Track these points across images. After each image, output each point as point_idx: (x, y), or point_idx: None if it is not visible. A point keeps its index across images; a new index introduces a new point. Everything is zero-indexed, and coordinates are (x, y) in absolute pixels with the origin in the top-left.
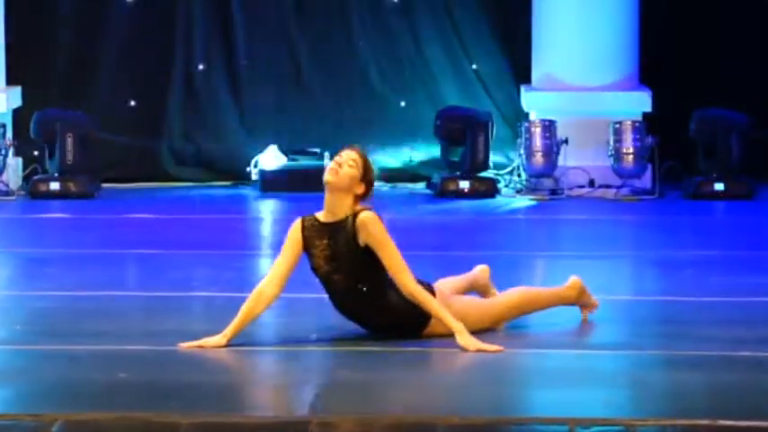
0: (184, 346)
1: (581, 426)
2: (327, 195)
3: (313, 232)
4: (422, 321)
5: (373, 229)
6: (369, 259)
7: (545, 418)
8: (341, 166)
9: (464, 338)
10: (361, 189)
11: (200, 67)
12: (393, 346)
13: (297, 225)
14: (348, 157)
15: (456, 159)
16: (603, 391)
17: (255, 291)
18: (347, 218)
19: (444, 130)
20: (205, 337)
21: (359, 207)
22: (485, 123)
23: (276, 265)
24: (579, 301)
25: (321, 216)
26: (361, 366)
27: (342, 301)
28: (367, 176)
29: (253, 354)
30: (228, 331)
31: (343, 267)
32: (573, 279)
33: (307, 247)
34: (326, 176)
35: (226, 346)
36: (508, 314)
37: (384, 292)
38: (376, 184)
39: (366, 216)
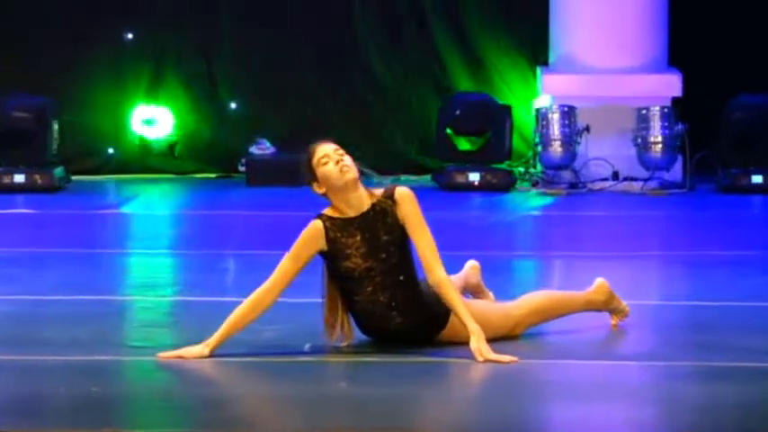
0: (163, 356)
1: None
2: (350, 194)
3: (340, 232)
4: (441, 323)
5: (412, 205)
6: (406, 244)
7: None
8: (343, 160)
9: (479, 344)
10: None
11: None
12: (397, 357)
13: (318, 228)
14: (336, 150)
15: (467, 149)
16: (628, 407)
17: (254, 297)
18: (375, 205)
19: (456, 118)
20: (186, 347)
21: (377, 191)
22: (505, 110)
23: (284, 271)
24: (608, 306)
25: (340, 214)
26: (361, 379)
27: (374, 299)
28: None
29: (239, 366)
30: (212, 340)
31: (387, 259)
32: (599, 282)
33: (335, 249)
34: (346, 176)
35: (209, 356)
36: (529, 320)
37: (417, 283)
38: (375, 177)
39: (404, 191)
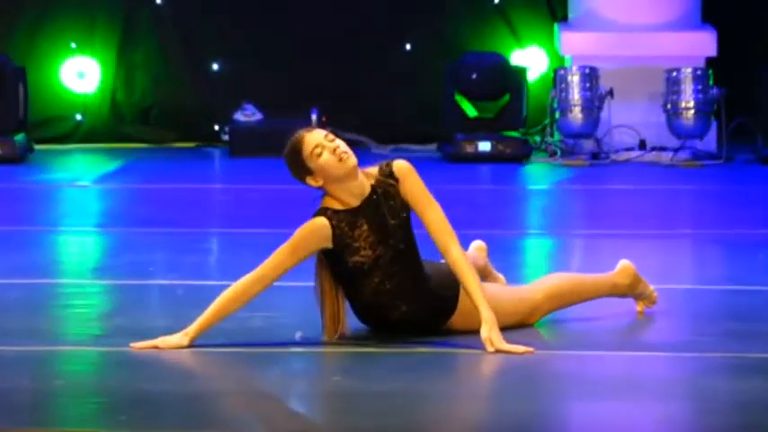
0: (137, 346)
1: None
2: (351, 182)
3: (345, 225)
4: (449, 309)
5: (415, 179)
6: (411, 224)
7: None
8: (339, 147)
9: (490, 333)
10: None
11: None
12: (397, 347)
13: (325, 227)
14: (326, 136)
15: (477, 115)
16: (656, 404)
17: (241, 285)
18: (375, 187)
19: (468, 81)
20: (162, 336)
21: (372, 170)
22: (520, 72)
23: (278, 263)
24: (633, 291)
25: (342, 205)
26: (357, 372)
27: (380, 289)
28: None
29: (222, 357)
30: (192, 329)
31: (395, 244)
32: (624, 264)
33: (341, 245)
34: (347, 163)
35: (188, 347)
36: (546, 306)
37: (422, 266)
38: (374, 147)
39: (403, 165)
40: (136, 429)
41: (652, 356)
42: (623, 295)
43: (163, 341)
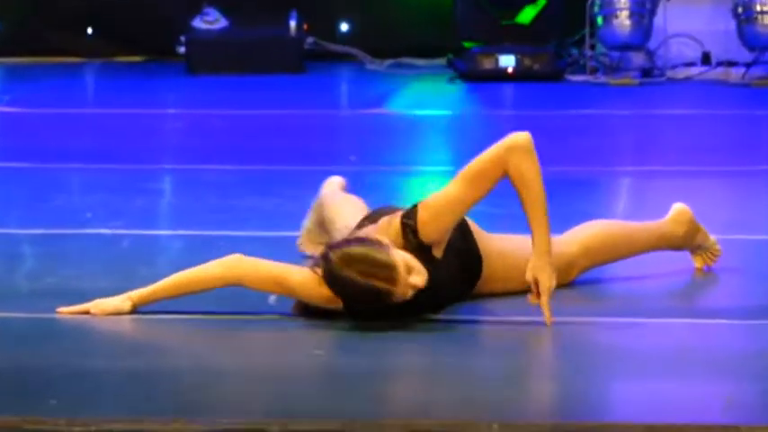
0: (65, 311)
1: None
2: None
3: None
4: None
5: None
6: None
7: (624, 425)
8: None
9: (542, 271)
10: None
11: None
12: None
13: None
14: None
15: (507, 23)
16: (720, 382)
17: (211, 270)
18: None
19: None
20: (98, 299)
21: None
22: None
23: (263, 278)
24: (690, 242)
25: None
26: (346, 346)
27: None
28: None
29: (176, 325)
30: (139, 294)
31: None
32: (678, 208)
33: None
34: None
35: (130, 313)
36: (585, 261)
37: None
38: (369, 62)
39: (428, 228)
40: (71, 412)
41: (713, 324)
42: (678, 248)
43: (97, 305)
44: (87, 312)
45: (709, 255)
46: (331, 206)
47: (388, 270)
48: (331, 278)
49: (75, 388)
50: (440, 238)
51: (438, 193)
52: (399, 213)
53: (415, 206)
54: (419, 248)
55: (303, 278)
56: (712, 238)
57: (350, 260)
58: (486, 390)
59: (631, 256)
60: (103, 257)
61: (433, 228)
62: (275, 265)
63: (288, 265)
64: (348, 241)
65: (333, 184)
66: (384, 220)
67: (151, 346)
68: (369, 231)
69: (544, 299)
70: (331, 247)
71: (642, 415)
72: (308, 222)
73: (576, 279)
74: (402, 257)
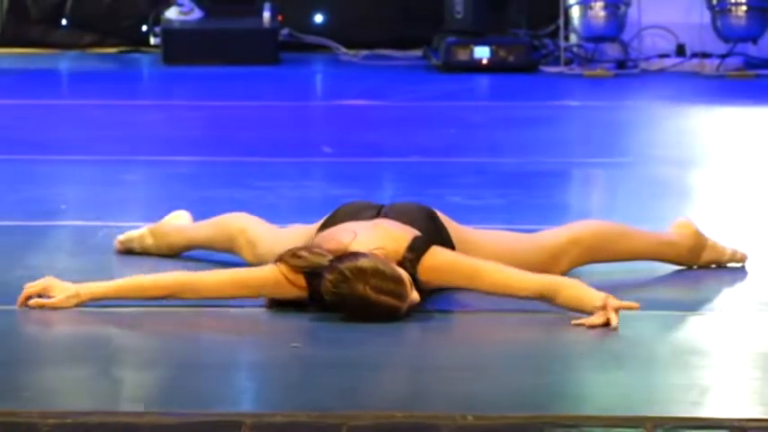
0: (25, 304)
1: (663, 428)
2: None
3: None
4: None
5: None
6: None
7: (614, 417)
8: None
9: (616, 312)
10: None
11: None
12: None
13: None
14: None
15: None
16: (688, 375)
17: (185, 277)
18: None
19: None
20: (42, 279)
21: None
22: None
23: (235, 289)
24: (698, 258)
25: None
26: (324, 337)
27: None
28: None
29: (147, 317)
30: (90, 289)
31: None
32: (681, 221)
33: None
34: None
35: (73, 306)
36: (576, 251)
37: None
38: (342, 54)
39: (430, 268)
40: (43, 408)
41: (682, 316)
42: (688, 262)
43: (35, 286)
44: (44, 306)
45: (733, 262)
46: (262, 236)
47: (399, 285)
48: (337, 291)
49: (47, 381)
50: (435, 285)
51: (461, 257)
52: (408, 238)
53: (426, 244)
54: (411, 276)
55: (267, 275)
56: (729, 249)
57: (362, 274)
58: (460, 382)
59: (632, 258)
60: (77, 249)
61: (432, 277)
62: (234, 270)
63: (246, 269)
64: (355, 255)
65: (182, 218)
66: (383, 235)
67: (122, 339)
68: (366, 241)
69: (592, 322)
70: (339, 259)
71: (620, 408)
72: (148, 237)
73: (568, 273)
74: (404, 273)
